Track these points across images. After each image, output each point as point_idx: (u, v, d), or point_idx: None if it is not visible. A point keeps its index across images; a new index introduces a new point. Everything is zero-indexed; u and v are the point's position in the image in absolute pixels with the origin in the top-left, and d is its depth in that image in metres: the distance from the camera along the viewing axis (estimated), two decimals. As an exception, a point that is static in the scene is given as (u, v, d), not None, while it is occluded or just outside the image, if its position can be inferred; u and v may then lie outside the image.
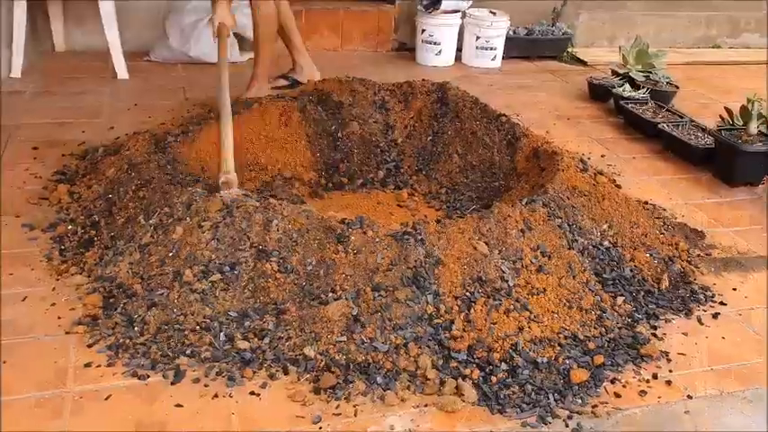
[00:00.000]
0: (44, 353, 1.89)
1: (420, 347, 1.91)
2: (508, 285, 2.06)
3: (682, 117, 3.76)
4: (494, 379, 1.86)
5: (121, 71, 4.10)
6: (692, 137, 3.52)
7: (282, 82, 4.08)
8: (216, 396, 1.79)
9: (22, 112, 3.53)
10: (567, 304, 2.09)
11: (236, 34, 4.61)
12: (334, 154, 3.03)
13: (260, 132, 2.94)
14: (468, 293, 2.04)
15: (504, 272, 2.10)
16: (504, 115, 3.10)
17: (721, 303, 2.33)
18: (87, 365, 1.85)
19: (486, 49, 4.96)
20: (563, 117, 4.01)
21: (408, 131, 3.16)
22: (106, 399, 1.75)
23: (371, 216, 2.68)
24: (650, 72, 4.32)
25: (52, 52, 4.53)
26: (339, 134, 3.08)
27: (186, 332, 1.94)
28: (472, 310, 1.99)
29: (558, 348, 1.96)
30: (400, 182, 3.04)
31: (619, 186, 3.03)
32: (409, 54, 5.11)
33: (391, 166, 3.07)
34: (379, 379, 1.84)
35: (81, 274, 2.19)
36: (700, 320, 2.23)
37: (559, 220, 2.33)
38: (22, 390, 1.76)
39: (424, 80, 3.32)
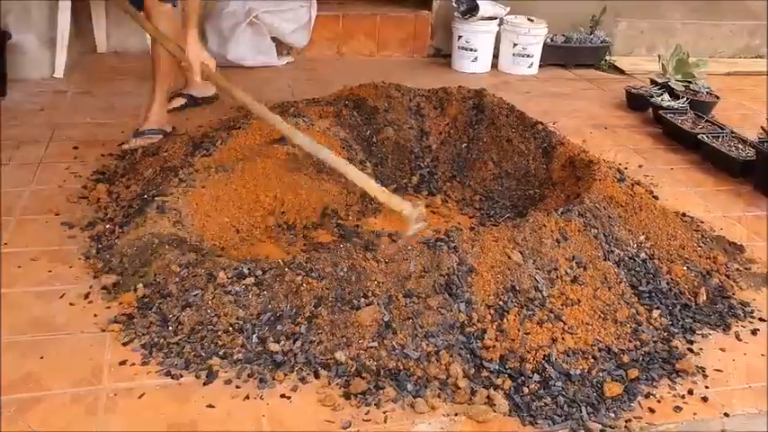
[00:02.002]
0: (80, 350, 1.92)
1: (451, 356, 1.90)
2: (542, 296, 2.04)
3: (722, 128, 3.69)
4: (526, 390, 1.84)
5: (161, 73, 4.15)
6: (733, 148, 3.46)
7: (180, 101, 3.68)
8: (247, 398, 1.80)
9: (64, 111, 3.60)
10: (602, 316, 2.06)
11: (273, 38, 4.65)
12: (369, 159, 3.03)
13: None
14: (501, 303, 2.02)
15: (538, 282, 2.08)
16: (540, 123, 3.08)
17: (761, 320, 2.27)
18: (122, 363, 1.88)
19: (523, 56, 4.93)
20: (600, 126, 3.96)
21: (443, 138, 3.15)
22: (140, 397, 1.77)
23: (404, 223, 2.70)
24: (690, 82, 4.26)
25: (94, 53, 4.61)
26: (374, 139, 3.08)
27: (219, 333, 1.95)
28: (505, 320, 1.98)
29: (592, 361, 1.94)
30: (434, 188, 3.03)
31: (656, 197, 2.98)
32: (445, 60, 5.10)
33: (425, 172, 3.06)
34: (409, 386, 1.83)
35: (117, 273, 2.22)
36: (738, 336, 2.19)
37: (595, 231, 2.30)
38: (58, 386, 1.79)
39: (460, 87, 3.31)
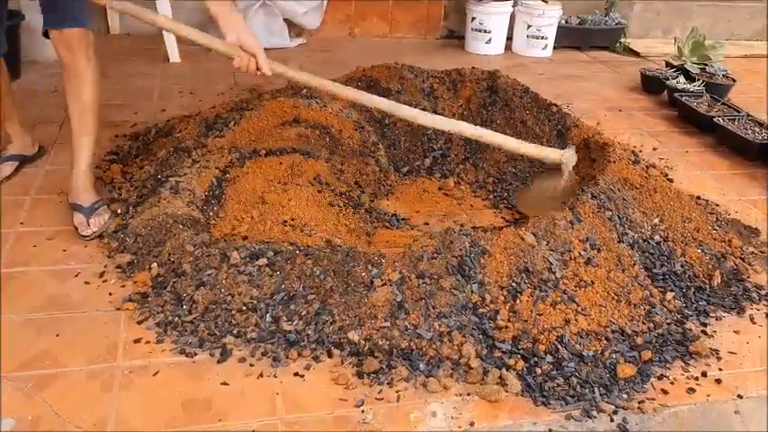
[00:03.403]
0: (95, 328, 1.94)
1: (464, 336, 1.90)
2: (555, 277, 2.04)
3: (738, 111, 3.65)
4: (538, 371, 1.84)
5: (173, 55, 4.16)
6: (749, 131, 3.42)
7: (8, 168, 2.70)
8: (261, 376, 1.81)
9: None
10: (616, 298, 2.05)
11: (285, 20, 4.63)
12: (381, 141, 3.02)
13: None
14: (514, 284, 2.02)
15: (551, 263, 2.07)
16: (554, 105, 3.06)
17: (775, 303, 2.27)
18: (137, 341, 1.89)
19: (538, 38, 4.89)
20: (614, 108, 3.93)
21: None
22: (154, 375, 1.79)
23: (416, 204, 2.70)
24: (706, 65, 4.21)
25: (107, 34, 4.62)
26: (386, 121, 3.07)
27: (233, 312, 1.96)
28: (518, 301, 1.98)
29: (605, 342, 1.93)
30: (447, 170, 3.01)
31: (671, 180, 2.97)
32: (458, 42, 5.07)
33: (438, 154, 3.05)
34: (422, 366, 1.84)
35: (132, 252, 2.23)
36: (752, 319, 2.18)
37: (609, 213, 2.29)
38: (73, 363, 1.81)
39: (473, 68, 3.29)
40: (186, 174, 2.46)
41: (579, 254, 2.11)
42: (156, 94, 3.67)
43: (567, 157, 2.46)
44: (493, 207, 2.78)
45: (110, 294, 2.08)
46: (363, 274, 2.00)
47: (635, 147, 3.30)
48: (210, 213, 2.39)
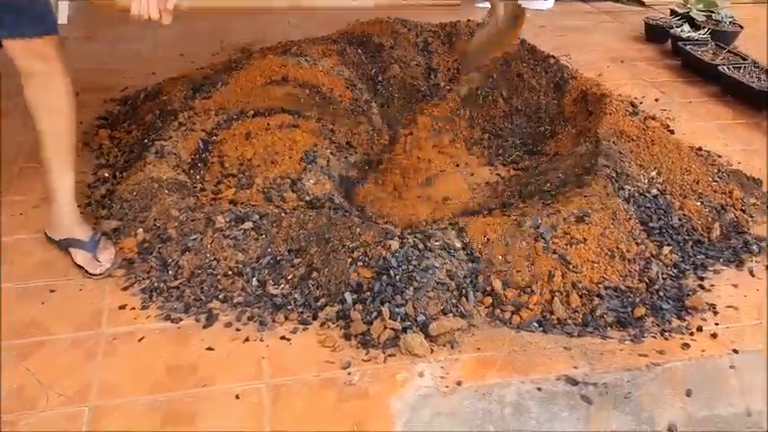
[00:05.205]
0: (81, 295, 1.92)
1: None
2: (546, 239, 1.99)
3: (744, 59, 3.54)
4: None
5: (165, 18, 4.05)
6: (755, 79, 3.32)
7: None
8: (247, 340, 1.79)
9: (66, 57, 3.54)
10: (609, 254, 2.01)
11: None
12: (375, 99, 2.96)
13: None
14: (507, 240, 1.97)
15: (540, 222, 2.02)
16: (552, 57, 2.98)
17: (776, 255, 2.21)
18: (122, 308, 1.88)
19: (539, -11, 4.76)
20: (617, 60, 3.83)
21: (452, 75, 3.06)
22: (139, 340, 1.77)
23: (410, 164, 2.64)
24: (712, 11, 4.08)
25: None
26: (379, 78, 3.00)
27: (219, 277, 1.94)
28: (509, 254, 1.94)
29: (597, 300, 1.89)
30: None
31: (672, 131, 2.90)
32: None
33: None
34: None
35: (118, 218, 2.20)
36: (751, 272, 2.12)
37: (607, 170, 2.23)
38: (58, 330, 1.79)
39: (469, 20, 3.20)
40: (172, 137, 2.41)
41: (571, 212, 2.05)
42: (145, 57, 3.60)
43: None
44: (488, 164, 2.72)
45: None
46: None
47: (636, 98, 3.22)
48: (197, 177, 2.35)
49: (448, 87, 2.93)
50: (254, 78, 2.77)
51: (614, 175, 2.24)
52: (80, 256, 2.00)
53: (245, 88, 2.73)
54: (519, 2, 2.45)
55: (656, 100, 3.32)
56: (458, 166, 2.68)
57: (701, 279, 2.07)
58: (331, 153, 2.44)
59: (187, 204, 2.12)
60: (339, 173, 2.43)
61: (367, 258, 1.90)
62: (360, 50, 3.04)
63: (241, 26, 4.09)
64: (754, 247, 2.23)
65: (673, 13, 4.24)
